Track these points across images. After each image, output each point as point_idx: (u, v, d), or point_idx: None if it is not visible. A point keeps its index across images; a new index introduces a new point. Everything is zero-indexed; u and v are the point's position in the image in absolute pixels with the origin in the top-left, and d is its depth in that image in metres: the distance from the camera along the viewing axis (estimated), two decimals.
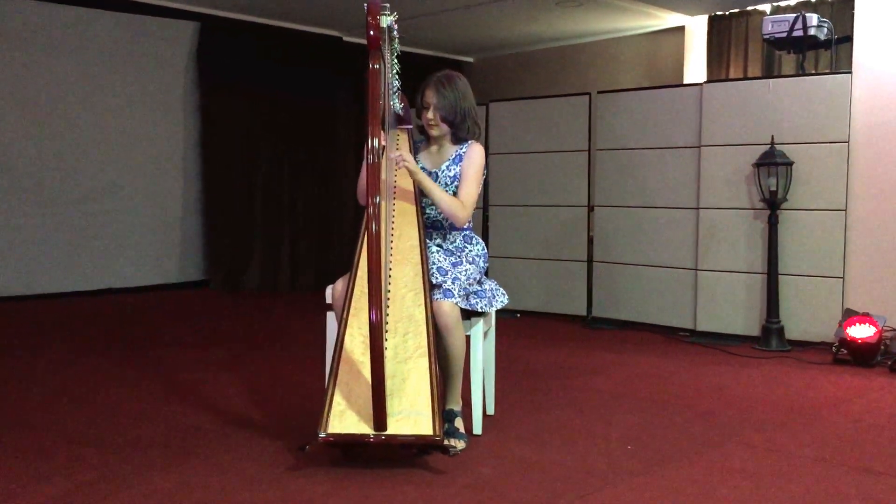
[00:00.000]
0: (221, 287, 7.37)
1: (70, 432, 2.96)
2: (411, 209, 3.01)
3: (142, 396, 3.51)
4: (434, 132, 3.07)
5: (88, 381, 3.79)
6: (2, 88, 6.25)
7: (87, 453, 2.71)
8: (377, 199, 2.52)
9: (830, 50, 5.11)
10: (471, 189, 3.02)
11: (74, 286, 6.62)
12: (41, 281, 6.45)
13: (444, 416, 2.79)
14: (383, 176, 2.78)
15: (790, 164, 4.76)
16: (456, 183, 3.04)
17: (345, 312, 2.76)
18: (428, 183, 2.95)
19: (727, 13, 7.11)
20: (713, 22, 7.23)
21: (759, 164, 4.82)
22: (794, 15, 4.95)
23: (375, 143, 2.54)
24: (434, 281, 2.85)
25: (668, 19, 7.37)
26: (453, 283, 2.87)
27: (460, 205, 2.98)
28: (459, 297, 2.85)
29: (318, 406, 2.64)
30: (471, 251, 3.08)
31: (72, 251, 6.63)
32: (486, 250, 3.13)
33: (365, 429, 2.52)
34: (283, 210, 7.83)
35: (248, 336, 5.15)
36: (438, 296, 2.80)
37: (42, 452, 2.72)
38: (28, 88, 6.37)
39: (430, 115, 3.04)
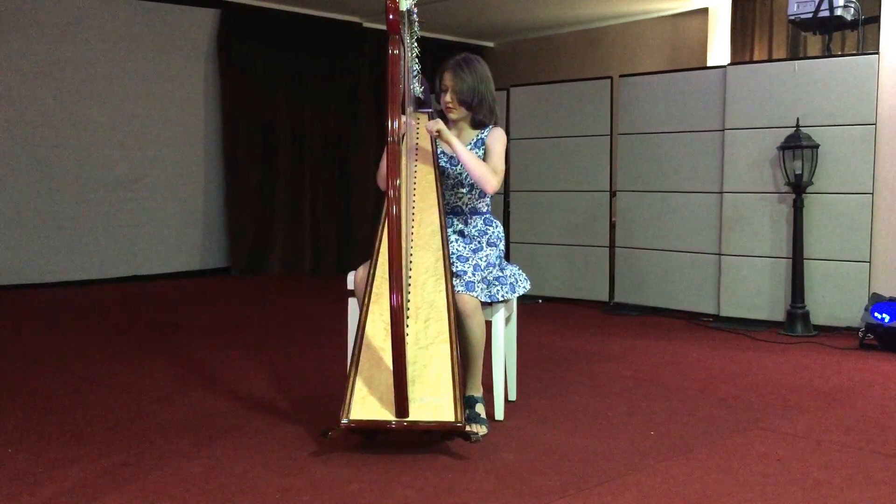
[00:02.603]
0: (243, 273, 7.42)
1: (96, 417, 2.99)
2: (432, 194, 3.00)
3: (167, 382, 3.54)
4: (453, 115, 3.06)
5: (114, 366, 3.83)
6: (25, 77, 6.30)
7: (112, 438, 2.74)
8: (397, 183, 2.51)
9: (857, 30, 5.03)
10: (499, 161, 3.02)
11: (98, 273, 6.69)
12: (66, 268, 6.53)
13: (465, 402, 2.78)
14: (403, 160, 2.77)
15: (816, 147, 4.69)
16: None
17: (366, 298, 2.76)
18: (461, 148, 2.94)
19: None
20: (737, 3, 7.13)
21: (784, 148, 4.76)
22: None
23: (395, 126, 2.53)
24: (453, 269, 2.85)
25: (691, 1, 7.28)
26: (474, 273, 2.86)
27: (492, 171, 2.97)
28: (480, 288, 2.84)
29: (340, 391, 2.65)
30: (492, 234, 3.08)
31: (96, 239, 6.70)
32: (503, 231, 3.14)
33: (386, 415, 2.53)
34: (305, 196, 7.86)
35: (270, 322, 5.18)
36: (460, 288, 2.80)
37: (69, 437, 2.75)
38: (51, 77, 6.42)
39: (448, 97, 3.03)
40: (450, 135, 2.93)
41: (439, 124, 2.91)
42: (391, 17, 2.49)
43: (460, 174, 3.04)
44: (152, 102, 6.97)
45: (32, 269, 6.35)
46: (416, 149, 3.09)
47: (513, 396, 3.24)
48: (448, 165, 3.07)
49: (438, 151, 3.09)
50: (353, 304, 2.99)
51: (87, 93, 6.61)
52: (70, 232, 6.56)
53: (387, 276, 2.55)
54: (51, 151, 6.44)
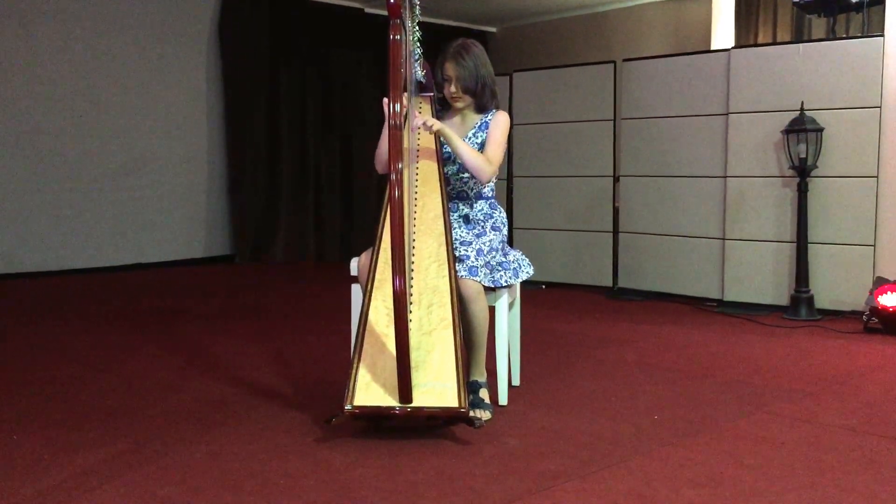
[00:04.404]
0: (247, 260, 7.42)
1: (101, 404, 3.00)
2: (434, 179, 2.99)
3: (171, 369, 3.55)
4: (459, 105, 3.06)
5: (119, 354, 3.84)
6: (28, 65, 6.29)
7: (118, 424, 2.75)
8: (399, 167, 2.50)
9: (862, 13, 4.99)
10: (497, 149, 3.01)
11: (102, 262, 6.70)
12: (69, 257, 6.54)
13: (468, 387, 2.78)
14: (406, 145, 2.76)
15: (820, 130, 4.67)
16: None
17: (369, 284, 2.76)
18: (454, 138, 2.93)
19: None
20: None
21: (788, 131, 4.74)
22: None
23: (397, 110, 2.52)
24: (456, 254, 2.85)
25: None
26: (477, 257, 2.86)
27: (486, 160, 2.96)
28: (483, 272, 2.84)
29: (344, 378, 2.65)
30: (496, 218, 3.07)
31: (100, 227, 6.70)
32: (506, 217, 3.14)
33: (390, 401, 2.53)
34: (308, 183, 7.85)
35: (274, 309, 5.18)
36: (463, 272, 2.80)
37: (74, 424, 2.76)
38: (53, 65, 6.41)
39: (453, 88, 3.02)
40: (444, 128, 2.91)
41: (434, 123, 2.89)
42: (392, 1, 2.48)
43: None
44: (154, 90, 6.96)
45: (36, 258, 6.36)
46: (419, 133, 3.07)
47: (516, 381, 3.24)
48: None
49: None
50: (356, 290, 2.99)
51: (89, 81, 6.59)
52: (73, 220, 6.56)
53: (389, 261, 2.54)
54: (53, 140, 6.43)
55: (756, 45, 6.58)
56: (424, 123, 2.89)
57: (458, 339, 2.63)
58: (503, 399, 2.97)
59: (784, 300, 4.89)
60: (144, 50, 6.87)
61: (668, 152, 5.42)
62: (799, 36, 6.72)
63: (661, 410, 2.93)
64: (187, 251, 7.24)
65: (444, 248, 2.81)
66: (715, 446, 2.54)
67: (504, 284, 2.93)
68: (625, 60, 5.76)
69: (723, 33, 7.28)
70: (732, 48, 5.27)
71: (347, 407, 2.52)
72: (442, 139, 2.99)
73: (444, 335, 2.64)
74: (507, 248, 3.09)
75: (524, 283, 3.22)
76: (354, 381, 2.57)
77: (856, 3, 4.88)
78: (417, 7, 2.89)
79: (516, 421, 2.79)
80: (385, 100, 2.63)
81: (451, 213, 3.03)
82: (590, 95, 5.83)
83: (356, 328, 2.73)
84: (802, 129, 4.66)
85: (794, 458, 2.43)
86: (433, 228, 2.86)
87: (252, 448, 2.52)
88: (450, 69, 3.01)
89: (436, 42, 3.19)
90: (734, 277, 5.10)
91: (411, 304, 2.70)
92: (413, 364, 2.54)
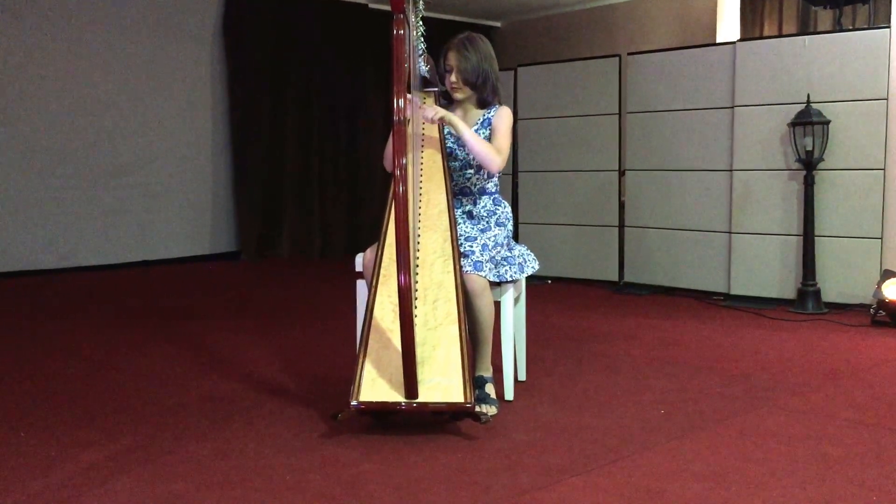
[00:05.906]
0: (253, 257, 7.43)
1: (108, 401, 3.00)
2: (439, 175, 2.99)
3: (177, 366, 3.56)
4: (458, 95, 3.05)
5: (125, 351, 3.85)
6: (34, 65, 6.30)
7: (124, 421, 2.76)
8: (403, 162, 2.50)
9: (868, 4, 4.97)
10: (503, 141, 3.00)
11: (109, 259, 6.71)
12: (76, 254, 6.55)
13: (474, 382, 2.78)
14: (409, 140, 2.75)
15: (827, 123, 4.65)
16: None
17: (374, 280, 2.76)
18: (464, 128, 2.92)
19: None
20: None
21: (794, 124, 4.72)
22: None
23: (401, 106, 2.52)
24: (461, 250, 2.84)
25: None
26: (482, 252, 2.85)
27: (495, 151, 2.96)
28: (488, 268, 2.84)
29: (350, 373, 2.65)
30: (500, 214, 3.07)
31: (106, 225, 6.71)
32: (511, 212, 3.13)
33: (396, 397, 2.53)
34: (313, 178, 7.84)
35: (280, 305, 5.19)
36: (468, 268, 2.79)
37: (81, 421, 2.77)
38: (59, 64, 6.41)
39: (453, 78, 3.02)
40: (452, 116, 2.91)
41: (439, 111, 2.89)
42: None
43: (468, 155, 3.02)
44: (159, 87, 6.96)
45: (41, 256, 6.37)
46: (423, 129, 3.07)
47: (522, 376, 3.24)
48: (455, 147, 3.06)
49: (445, 132, 3.08)
50: (361, 286, 2.99)
51: (93, 79, 6.59)
52: (79, 218, 6.57)
53: (394, 257, 2.54)
54: (58, 139, 6.44)
55: (762, 37, 6.55)
56: (428, 113, 2.88)
57: (463, 334, 2.63)
58: (509, 394, 2.97)
59: (791, 294, 4.88)
60: (149, 47, 6.87)
61: (674, 146, 5.40)
62: (805, 28, 6.69)
63: (668, 405, 2.92)
64: (193, 248, 7.24)
65: (448, 243, 2.81)
66: (722, 440, 2.54)
67: (509, 279, 2.93)
68: (630, 54, 5.74)
69: (728, 26, 7.25)
70: (738, 41, 5.25)
71: (353, 402, 2.52)
72: (448, 128, 2.99)
73: (449, 330, 2.64)
74: (513, 244, 3.09)
75: (530, 278, 3.21)
76: (360, 376, 2.57)
77: None
78: (421, 2, 2.88)
79: (522, 416, 2.79)
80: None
81: (455, 209, 3.03)
82: (595, 89, 5.82)
83: (362, 324, 2.73)
84: (809, 121, 4.64)
85: (802, 452, 2.42)
86: (438, 224, 2.86)
87: (258, 444, 2.52)
88: (452, 59, 3.01)
89: (440, 37, 3.18)
90: (741, 271, 5.09)
91: (416, 299, 2.69)
92: (419, 359, 2.54)
